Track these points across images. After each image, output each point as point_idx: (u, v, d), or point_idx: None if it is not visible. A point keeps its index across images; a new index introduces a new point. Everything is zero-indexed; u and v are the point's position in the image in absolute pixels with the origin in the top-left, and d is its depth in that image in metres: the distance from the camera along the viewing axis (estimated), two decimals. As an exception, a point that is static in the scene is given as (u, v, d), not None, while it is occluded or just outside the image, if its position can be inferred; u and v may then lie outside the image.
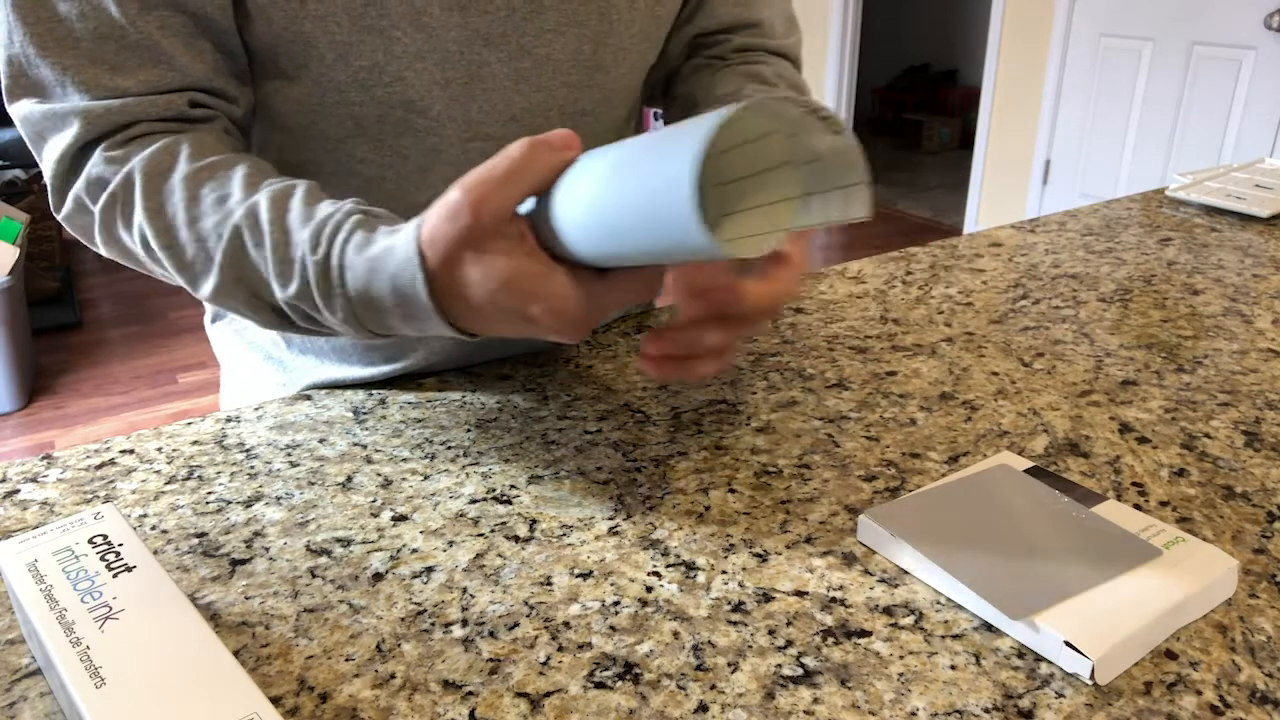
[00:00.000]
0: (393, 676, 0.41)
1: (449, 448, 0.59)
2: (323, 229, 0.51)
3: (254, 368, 0.76)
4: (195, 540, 0.50)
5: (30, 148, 0.57)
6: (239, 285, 0.53)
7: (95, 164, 0.55)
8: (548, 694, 0.40)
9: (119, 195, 0.54)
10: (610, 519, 0.52)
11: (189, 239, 0.53)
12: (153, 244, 0.54)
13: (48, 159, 0.56)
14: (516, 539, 0.50)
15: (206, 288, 0.54)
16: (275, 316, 0.54)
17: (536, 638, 0.43)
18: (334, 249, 0.50)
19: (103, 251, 0.58)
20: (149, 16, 0.54)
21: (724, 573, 0.47)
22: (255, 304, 0.54)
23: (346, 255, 0.50)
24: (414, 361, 0.71)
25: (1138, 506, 0.52)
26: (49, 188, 0.57)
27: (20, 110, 0.56)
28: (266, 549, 0.50)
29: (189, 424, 0.62)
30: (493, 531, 0.51)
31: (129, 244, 0.56)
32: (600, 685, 0.41)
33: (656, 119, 5.00)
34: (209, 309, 0.80)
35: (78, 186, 0.55)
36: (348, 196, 0.62)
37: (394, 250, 0.49)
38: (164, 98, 0.56)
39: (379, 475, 0.56)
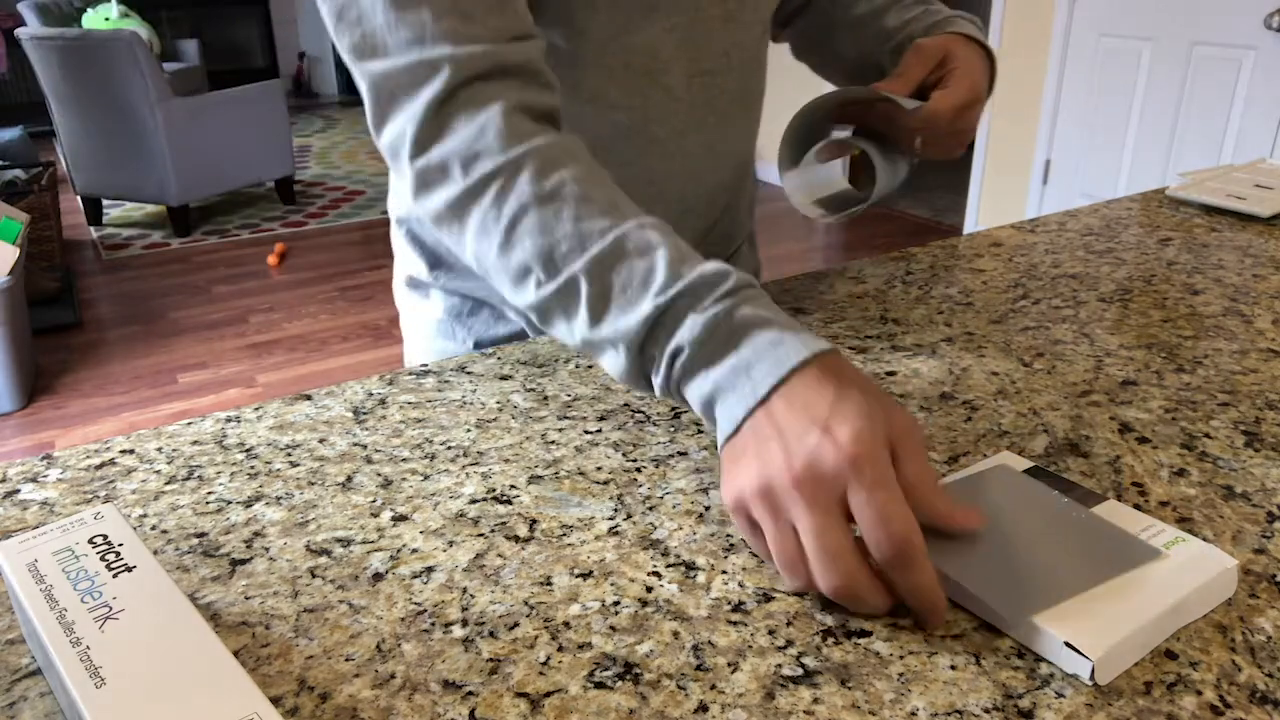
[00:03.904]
0: (393, 676, 0.41)
1: (449, 448, 0.59)
2: (733, 273, 0.51)
3: (438, 330, 0.88)
4: (195, 540, 0.50)
5: (373, 111, 0.58)
6: (593, 284, 0.52)
7: (470, 139, 0.56)
8: (548, 694, 0.40)
9: (502, 173, 0.55)
10: (610, 519, 0.52)
11: (570, 233, 0.53)
12: (524, 226, 0.54)
13: (407, 111, 0.57)
14: (516, 539, 0.50)
15: (550, 285, 0.54)
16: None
17: (536, 638, 0.43)
18: (742, 288, 0.51)
19: (424, 212, 0.58)
20: None
21: (724, 573, 0.47)
22: (596, 306, 0.53)
23: (752, 295, 0.51)
24: None
25: (1138, 506, 0.52)
26: (404, 136, 0.57)
27: (378, 68, 0.57)
28: (266, 549, 0.50)
29: (189, 424, 0.62)
30: (493, 531, 0.51)
31: (481, 221, 0.56)
32: (600, 685, 0.41)
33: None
34: (397, 276, 0.92)
35: (446, 148, 0.56)
36: (604, 141, 0.70)
37: (800, 330, 0.49)
38: (513, 45, 0.58)
39: (379, 475, 0.56)
